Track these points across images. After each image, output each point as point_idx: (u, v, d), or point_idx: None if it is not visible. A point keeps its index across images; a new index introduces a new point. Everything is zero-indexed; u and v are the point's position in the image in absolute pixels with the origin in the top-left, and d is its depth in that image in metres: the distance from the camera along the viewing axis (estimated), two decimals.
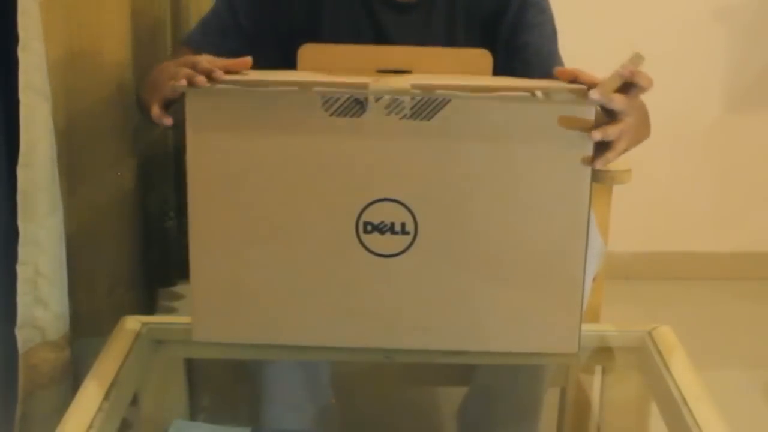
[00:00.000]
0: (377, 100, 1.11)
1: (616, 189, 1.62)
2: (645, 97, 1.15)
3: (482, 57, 1.27)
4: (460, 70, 1.26)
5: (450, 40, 1.45)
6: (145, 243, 1.61)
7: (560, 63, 1.44)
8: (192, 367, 1.47)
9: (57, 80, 1.29)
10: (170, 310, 1.69)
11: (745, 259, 2.68)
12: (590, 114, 1.12)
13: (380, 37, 1.44)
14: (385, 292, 1.20)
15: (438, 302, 1.21)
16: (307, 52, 1.26)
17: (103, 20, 1.43)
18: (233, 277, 1.19)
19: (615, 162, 1.58)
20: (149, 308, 1.66)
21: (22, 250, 1.25)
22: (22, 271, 1.26)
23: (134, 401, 1.30)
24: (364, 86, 1.11)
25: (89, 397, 1.16)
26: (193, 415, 1.47)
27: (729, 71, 2.54)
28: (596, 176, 1.56)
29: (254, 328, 1.22)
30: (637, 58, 1.09)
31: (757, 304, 2.54)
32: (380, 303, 1.21)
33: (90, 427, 1.11)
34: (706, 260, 2.66)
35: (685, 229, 2.65)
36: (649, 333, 1.33)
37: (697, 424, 1.12)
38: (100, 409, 1.14)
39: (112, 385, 1.18)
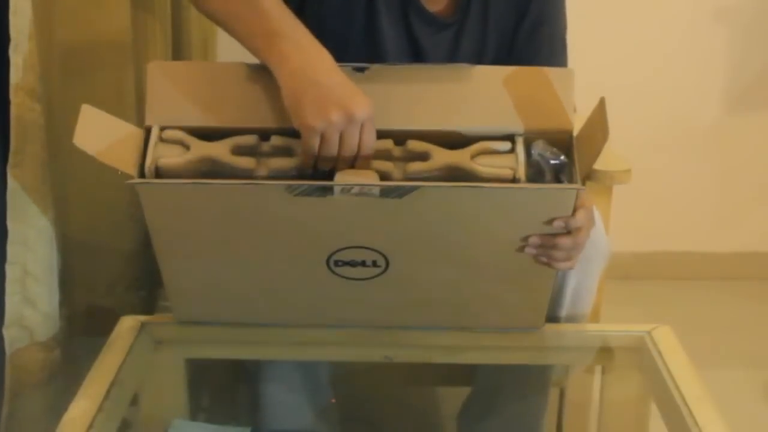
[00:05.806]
0: (343, 191, 1.09)
1: (616, 189, 1.61)
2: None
3: None
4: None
5: (478, 60, 1.44)
6: (144, 242, 1.61)
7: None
8: (192, 367, 1.47)
9: (56, 80, 1.29)
10: (170, 310, 1.69)
11: (745, 259, 2.67)
12: (570, 198, 1.11)
13: (415, 50, 1.43)
14: (356, 306, 1.26)
15: (411, 303, 1.25)
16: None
17: (101, 19, 1.43)
18: (205, 287, 1.25)
19: (615, 162, 1.59)
20: (149, 308, 1.66)
21: (11, 250, 1.25)
22: (11, 270, 1.25)
23: (134, 401, 1.30)
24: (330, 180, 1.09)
25: (89, 397, 1.16)
26: (193, 415, 1.47)
27: (729, 71, 2.53)
28: (596, 176, 1.57)
29: (229, 314, 1.30)
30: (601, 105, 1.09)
31: (757, 304, 2.53)
32: (352, 310, 1.27)
33: (90, 427, 1.11)
34: (706, 260, 2.66)
35: (685, 229, 2.65)
36: (649, 333, 1.33)
37: (697, 424, 1.12)
38: (100, 409, 1.14)
39: (112, 385, 1.19)
